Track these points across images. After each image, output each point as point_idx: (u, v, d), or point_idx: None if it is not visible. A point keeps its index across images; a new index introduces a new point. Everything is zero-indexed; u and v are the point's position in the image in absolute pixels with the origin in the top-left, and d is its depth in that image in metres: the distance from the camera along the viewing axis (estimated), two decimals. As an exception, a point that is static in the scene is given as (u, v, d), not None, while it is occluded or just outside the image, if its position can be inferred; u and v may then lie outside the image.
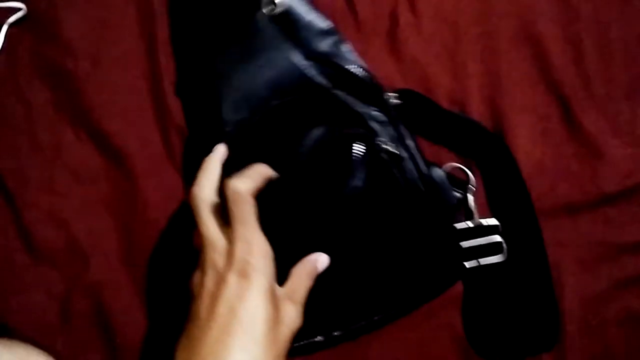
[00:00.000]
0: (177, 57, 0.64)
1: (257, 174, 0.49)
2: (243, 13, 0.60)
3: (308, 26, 0.59)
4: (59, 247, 0.59)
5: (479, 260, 0.56)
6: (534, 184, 0.58)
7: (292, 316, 0.46)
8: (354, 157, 0.53)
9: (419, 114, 0.60)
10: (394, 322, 0.56)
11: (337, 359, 0.56)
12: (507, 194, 0.58)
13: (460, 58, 0.63)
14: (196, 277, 0.47)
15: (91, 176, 0.61)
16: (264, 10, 0.59)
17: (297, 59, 0.58)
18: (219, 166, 0.52)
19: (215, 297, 0.44)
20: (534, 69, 0.62)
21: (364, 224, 0.54)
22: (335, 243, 0.52)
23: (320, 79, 0.57)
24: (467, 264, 0.56)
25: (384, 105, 0.57)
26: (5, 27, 0.65)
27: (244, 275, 0.44)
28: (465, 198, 0.58)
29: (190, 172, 0.55)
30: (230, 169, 0.51)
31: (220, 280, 0.44)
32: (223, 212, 0.48)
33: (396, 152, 0.55)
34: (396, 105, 0.58)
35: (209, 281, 0.45)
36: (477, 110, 0.61)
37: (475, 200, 0.58)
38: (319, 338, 0.54)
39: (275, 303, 0.45)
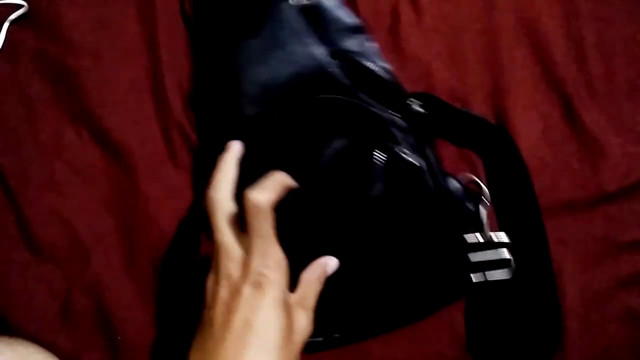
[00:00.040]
0: (195, 52, 0.63)
1: (277, 183, 0.48)
2: (268, 2, 0.58)
3: (336, 22, 0.58)
4: (60, 245, 0.59)
5: (486, 274, 0.55)
6: (535, 182, 0.58)
7: (303, 323, 0.46)
8: (374, 166, 0.52)
9: (441, 120, 0.59)
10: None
11: (336, 357, 0.56)
12: (518, 208, 0.57)
13: (461, 55, 0.63)
14: (209, 281, 0.47)
15: (92, 173, 0.61)
16: (291, 1, 0.57)
17: (321, 55, 0.56)
18: (235, 165, 0.51)
19: (230, 307, 0.44)
20: (536, 66, 0.62)
21: (376, 232, 0.53)
22: (346, 249, 0.51)
23: (344, 79, 0.56)
24: (474, 278, 0.55)
25: (406, 112, 0.56)
26: (6, 25, 0.65)
27: (258, 286, 0.44)
28: (478, 211, 0.57)
29: (202, 168, 0.55)
30: (246, 167, 0.51)
31: (235, 292, 0.44)
32: (240, 220, 0.47)
33: (416, 163, 0.53)
34: (418, 112, 0.57)
35: (223, 291, 0.45)
36: (478, 108, 0.61)
37: (487, 214, 0.57)
38: (319, 339, 0.54)
39: (288, 312, 0.45)
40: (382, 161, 0.52)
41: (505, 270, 0.55)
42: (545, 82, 0.62)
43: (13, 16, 0.65)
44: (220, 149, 0.52)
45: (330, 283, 0.49)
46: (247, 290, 0.44)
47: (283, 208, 0.47)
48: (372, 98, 0.56)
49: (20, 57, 0.64)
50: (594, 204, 0.58)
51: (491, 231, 0.56)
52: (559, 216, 0.58)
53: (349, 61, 0.56)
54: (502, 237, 0.56)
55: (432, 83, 0.62)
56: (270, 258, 0.45)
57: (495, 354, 0.55)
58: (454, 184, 0.56)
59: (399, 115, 0.56)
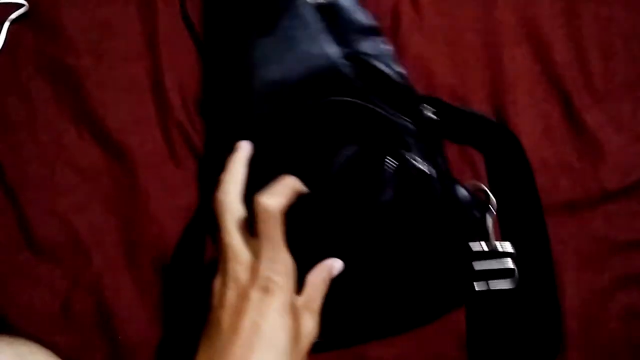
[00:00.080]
0: (204, 52, 0.63)
1: (288, 188, 0.48)
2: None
3: (352, 22, 0.57)
4: (61, 244, 0.59)
5: (489, 283, 0.55)
6: (535, 180, 0.58)
7: (310, 326, 0.46)
8: (385, 172, 0.52)
9: (452, 126, 0.58)
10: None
11: (336, 357, 0.56)
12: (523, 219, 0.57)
13: (462, 55, 0.63)
14: (216, 284, 0.47)
15: (92, 172, 0.61)
16: None
17: (336, 55, 0.56)
18: (244, 166, 0.51)
19: (238, 312, 0.44)
20: (536, 66, 0.62)
21: (384, 237, 0.53)
22: (353, 253, 0.51)
23: (357, 81, 0.55)
24: (477, 286, 0.55)
25: (418, 118, 0.55)
26: (7, 24, 0.65)
27: (266, 291, 0.44)
28: (484, 219, 0.56)
29: (210, 169, 0.55)
30: (255, 168, 0.50)
31: (244, 296, 0.44)
32: (249, 223, 0.47)
33: (426, 171, 0.53)
34: (430, 118, 0.56)
35: (231, 293, 0.45)
36: (478, 107, 0.61)
37: (493, 223, 0.56)
38: (319, 339, 0.54)
39: (295, 316, 0.45)
40: (393, 168, 0.52)
41: (509, 280, 0.55)
42: (546, 81, 0.62)
43: (13, 16, 0.65)
44: (229, 149, 0.52)
45: (336, 286, 0.49)
46: (255, 295, 0.44)
47: (293, 212, 0.47)
48: (384, 102, 0.55)
49: (21, 56, 0.64)
50: (594, 203, 0.58)
51: (496, 240, 0.56)
52: (558, 215, 0.58)
53: (363, 63, 0.56)
54: (507, 246, 0.55)
55: (433, 82, 0.62)
56: (279, 263, 0.45)
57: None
58: (461, 191, 0.55)
59: (410, 120, 0.55)
